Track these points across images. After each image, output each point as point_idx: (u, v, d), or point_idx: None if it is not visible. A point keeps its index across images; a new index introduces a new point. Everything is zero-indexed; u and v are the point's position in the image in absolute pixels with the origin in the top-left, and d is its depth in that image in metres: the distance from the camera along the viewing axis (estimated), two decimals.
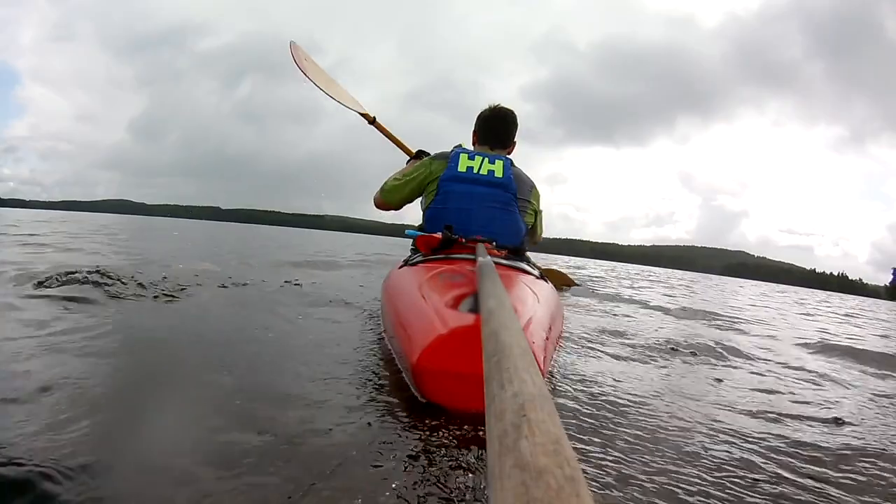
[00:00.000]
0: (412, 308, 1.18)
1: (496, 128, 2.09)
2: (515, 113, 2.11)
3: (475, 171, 1.90)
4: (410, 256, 1.87)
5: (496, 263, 1.37)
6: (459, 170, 1.90)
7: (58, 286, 1.95)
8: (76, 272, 2.11)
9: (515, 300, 1.19)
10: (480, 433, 0.85)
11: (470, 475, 0.72)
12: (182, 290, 2.13)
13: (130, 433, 0.80)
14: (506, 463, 0.28)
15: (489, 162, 1.91)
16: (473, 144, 2.14)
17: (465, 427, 0.87)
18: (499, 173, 1.89)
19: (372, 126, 2.72)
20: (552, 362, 1.41)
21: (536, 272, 1.82)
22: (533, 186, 2.01)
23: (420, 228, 1.93)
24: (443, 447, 0.80)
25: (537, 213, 2.08)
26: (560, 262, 11.71)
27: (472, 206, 1.87)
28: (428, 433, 0.85)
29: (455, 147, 2.04)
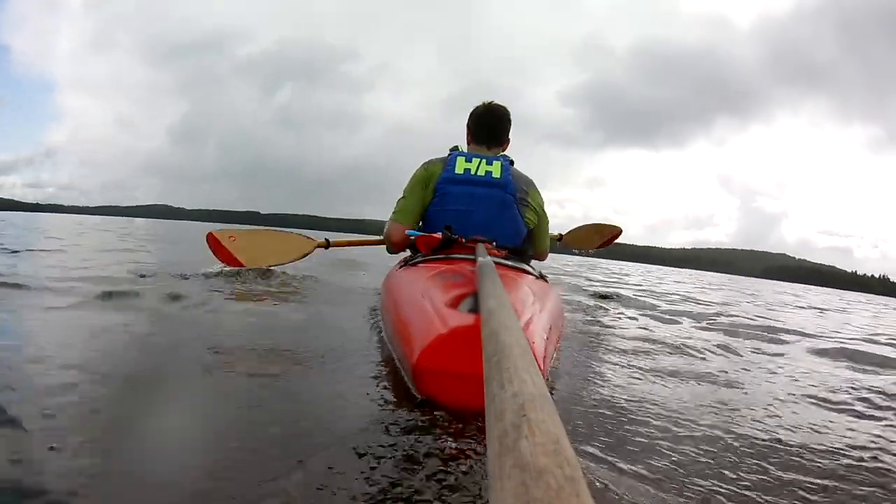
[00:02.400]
0: (412, 308, 1.18)
1: (491, 125, 2.08)
2: (509, 110, 2.11)
3: (472, 172, 1.89)
4: (410, 256, 1.87)
5: (496, 263, 1.37)
6: (457, 172, 1.90)
7: None
8: None
9: (515, 300, 1.19)
10: (480, 433, 0.85)
11: (470, 475, 0.72)
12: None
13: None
14: (506, 463, 0.28)
15: (487, 163, 1.90)
16: (468, 144, 2.13)
17: (465, 427, 0.87)
18: (497, 174, 1.89)
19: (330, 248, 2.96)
20: (552, 362, 1.41)
21: (536, 272, 1.82)
22: (531, 185, 1.99)
23: (419, 231, 1.93)
24: (442, 447, 0.80)
25: (540, 214, 2.05)
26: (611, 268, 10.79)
27: (470, 207, 1.86)
28: (427, 433, 0.85)
29: (451, 149, 2.03)
